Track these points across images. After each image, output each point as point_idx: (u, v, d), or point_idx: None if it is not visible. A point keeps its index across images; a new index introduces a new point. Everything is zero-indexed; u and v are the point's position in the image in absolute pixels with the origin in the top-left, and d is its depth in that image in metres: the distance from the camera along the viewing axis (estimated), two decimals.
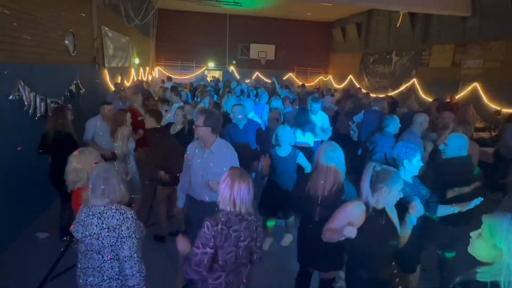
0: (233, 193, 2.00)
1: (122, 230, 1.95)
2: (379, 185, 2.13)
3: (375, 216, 2.18)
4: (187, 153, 3.04)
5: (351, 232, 2.06)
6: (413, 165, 2.74)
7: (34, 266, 3.61)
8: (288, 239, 4.32)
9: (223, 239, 1.97)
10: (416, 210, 2.21)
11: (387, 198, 2.14)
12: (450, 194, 3.11)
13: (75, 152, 2.53)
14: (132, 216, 2.00)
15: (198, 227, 3.19)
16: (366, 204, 2.20)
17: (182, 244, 2.06)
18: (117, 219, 1.95)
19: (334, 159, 2.68)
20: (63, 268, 3.59)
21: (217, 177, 2.68)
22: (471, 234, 1.58)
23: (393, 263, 2.33)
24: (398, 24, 13.23)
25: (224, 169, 2.59)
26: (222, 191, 2.04)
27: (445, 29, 11.14)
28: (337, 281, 3.55)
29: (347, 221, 2.21)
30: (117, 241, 1.95)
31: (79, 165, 2.41)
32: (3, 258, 3.72)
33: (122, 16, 9.19)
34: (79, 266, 2.06)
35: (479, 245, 1.54)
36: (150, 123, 4.25)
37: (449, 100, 9.04)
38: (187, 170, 3.04)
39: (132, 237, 1.96)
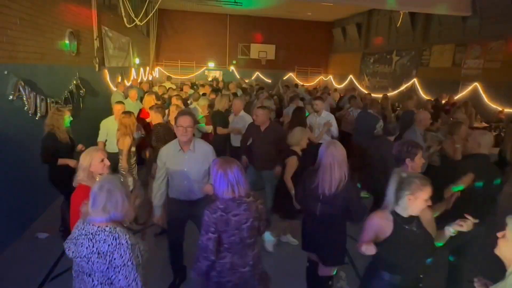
0: (230, 181, 2.09)
1: (115, 259, 1.76)
2: (404, 192, 2.05)
3: (403, 225, 2.10)
4: (162, 160, 2.99)
5: (368, 250, 2.06)
6: (415, 163, 2.73)
7: (34, 266, 3.61)
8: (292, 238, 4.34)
9: (224, 224, 2.08)
10: (463, 225, 2.05)
11: (412, 206, 2.05)
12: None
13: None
14: (126, 242, 1.78)
15: (183, 227, 3.23)
16: (393, 213, 2.13)
17: (208, 188, 2.30)
18: (108, 245, 1.75)
19: (337, 157, 2.68)
20: (63, 268, 3.59)
21: (202, 174, 2.92)
22: (497, 234, 1.56)
23: (421, 275, 2.24)
24: (399, 24, 13.24)
25: (207, 166, 2.87)
26: (219, 185, 2.12)
27: (445, 29, 11.14)
28: (338, 281, 3.56)
29: (375, 232, 2.16)
30: (107, 268, 1.77)
31: (80, 162, 2.46)
32: (3, 258, 3.72)
33: (122, 16, 9.19)
34: (74, 283, 1.94)
35: (503, 246, 1.51)
36: (156, 118, 4.40)
37: (447, 100, 9.04)
38: (162, 177, 3.03)
39: (128, 265, 1.77)
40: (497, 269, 1.61)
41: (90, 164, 2.45)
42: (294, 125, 5.15)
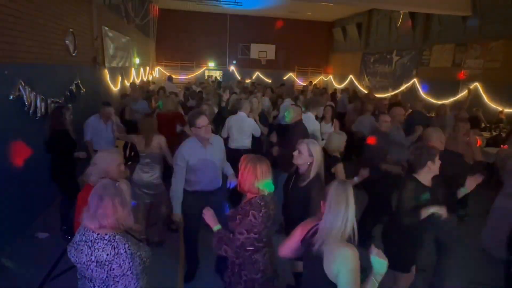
0: (257, 176, 2.12)
1: (113, 269, 1.73)
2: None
3: None
4: (184, 158, 3.12)
5: None
6: (435, 165, 2.68)
7: (34, 266, 3.61)
8: None
9: (268, 220, 2.15)
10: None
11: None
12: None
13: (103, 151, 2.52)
14: (125, 251, 1.74)
15: (200, 218, 3.32)
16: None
17: (209, 217, 2.24)
18: (107, 254, 1.72)
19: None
20: (63, 268, 3.59)
21: (221, 162, 3.27)
22: None
23: None
24: (399, 24, 13.24)
25: (223, 153, 3.33)
26: (246, 177, 2.15)
27: (446, 29, 11.14)
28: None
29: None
30: (106, 277, 1.75)
31: (97, 161, 2.36)
32: (3, 258, 3.72)
33: (122, 16, 9.20)
34: (78, 284, 1.93)
35: None
36: None
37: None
38: (182, 176, 3.15)
39: (127, 275, 1.75)
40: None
41: (107, 165, 2.33)
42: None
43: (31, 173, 4.29)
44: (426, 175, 2.66)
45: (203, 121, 3.07)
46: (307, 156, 2.69)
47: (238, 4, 14.10)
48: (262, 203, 2.13)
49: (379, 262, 1.70)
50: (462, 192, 2.96)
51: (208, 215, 2.25)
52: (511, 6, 8.53)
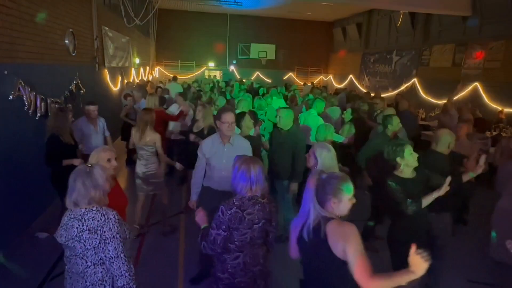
0: (250, 179, 2.15)
1: (104, 231, 1.86)
2: (327, 196, 1.80)
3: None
4: (202, 151, 3.19)
5: None
6: (407, 159, 2.73)
7: (34, 266, 3.61)
8: None
9: (238, 222, 2.12)
10: None
11: (338, 210, 1.81)
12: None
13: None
14: (114, 217, 1.91)
15: (212, 215, 3.36)
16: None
17: (200, 216, 2.31)
18: (98, 221, 1.87)
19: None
20: (63, 268, 3.58)
21: None
22: None
23: None
24: (399, 24, 13.24)
25: None
26: (238, 180, 2.17)
27: (446, 29, 11.14)
28: None
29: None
30: (99, 243, 1.86)
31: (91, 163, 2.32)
32: (2, 258, 3.72)
33: (122, 16, 9.20)
34: (66, 269, 2.02)
35: None
36: None
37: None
38: (202, 166, 3.23)
39: (116, 238, 1.89)
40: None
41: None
42: None
43: (31, 173, 4.29)
44: (405, 168, 2.73)
45: (228, 117, 3.04)
46: (313, 159, 2.83)
47: (238, 4, 14.11)
48: (237, 203, 2.13)
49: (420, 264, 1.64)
50: (468, 177, 2.98)
51: (200, 215, 2.33)
52: (511, 6, 8.53)
